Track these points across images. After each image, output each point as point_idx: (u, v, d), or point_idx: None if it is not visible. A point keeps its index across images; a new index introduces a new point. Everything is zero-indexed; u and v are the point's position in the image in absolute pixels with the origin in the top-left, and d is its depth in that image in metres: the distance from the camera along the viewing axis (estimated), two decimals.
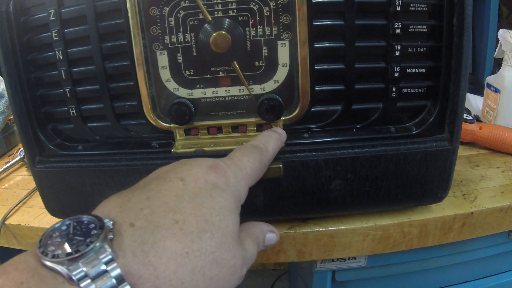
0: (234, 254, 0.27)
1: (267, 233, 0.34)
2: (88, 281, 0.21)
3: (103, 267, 0.22)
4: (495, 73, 0.68)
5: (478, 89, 0.82)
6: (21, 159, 0.70)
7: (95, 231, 0.23)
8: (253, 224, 0.34)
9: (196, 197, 0.27)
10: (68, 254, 0.22)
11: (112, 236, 0.23)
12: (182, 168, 0.29)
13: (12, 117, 0.80)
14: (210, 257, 0.25)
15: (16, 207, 0.57)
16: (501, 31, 0.66)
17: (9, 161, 0.70)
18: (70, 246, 0.22)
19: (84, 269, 0.21)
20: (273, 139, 0.38)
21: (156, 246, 0.23)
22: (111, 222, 0.24)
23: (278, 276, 1.32)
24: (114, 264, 0.22)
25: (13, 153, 0.76)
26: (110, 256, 0.22)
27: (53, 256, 0.21)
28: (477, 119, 0.72)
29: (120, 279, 0.22)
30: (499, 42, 0.67)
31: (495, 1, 0.84)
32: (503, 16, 0.91)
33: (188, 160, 0.31)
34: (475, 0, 0.88)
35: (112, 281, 0.21)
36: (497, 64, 0.83)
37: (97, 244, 0.22)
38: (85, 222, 0.24)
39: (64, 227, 0.24)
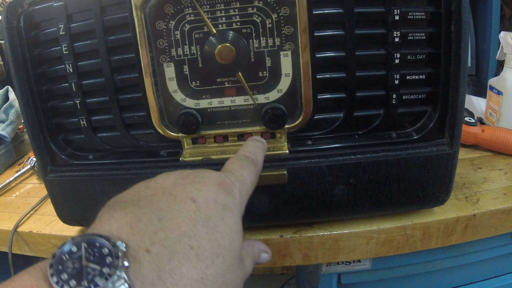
0: (238, 274, 0.28)
1: (262, 253, 0.35)
2: None
3: None
4: (498, 75, 0.69)
5: (481, 91, 0.82)
6: (32, 167, 0.72)
7: (110, 259, 0.22)
8: (253, 243, 0.35)
9: (208, 220, 0.27)
10: None
11: (127, 264, 0.22)
12: (192, 187, 0.28)
13: (21, 126, 0.82)
14: (221, 280, 0.26)
15: (28, 215, 0.59)
16: (502, 33, 0.67)
17: (20, 170, 0.71)
18: (86, 277, 0.21)
19: None
20: (261, 149, 0.39)
21: (173, 273, 0.23)
22: (124, 245, 0.23)
23: (286, 280, 1.32)
24: None
25: (23, 162, 0.77)
26: (127, 286, 0.21)
27: None
28: (480, 121, 0.73)
29: None
30: (501, 45, 0.68)
31: (497, 2, 0.84)
32: (505, 16, 0.92)
33: (192, 174, 0.30)
34: (477, 2, 0.88)
35: None
36: (500, 65, 0.83)
37: (116, 275, 0.21)
38: (97, 245, 0.22)
39: (74, 249, 0.22)
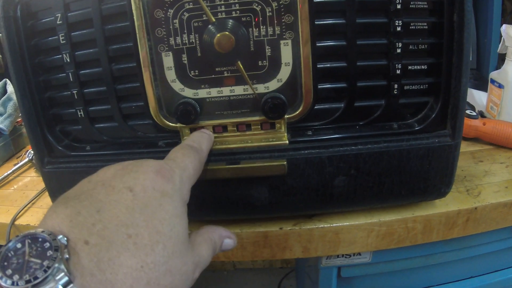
0: (185, 260, 0.28)
1: (225, 239, 0.35)
2: None
3: None
4: (500, 68, 0.68)
5: (482, 85, 0.82)
6: (29, 160, 0.72)
7: (51, 252, 0.23)
8: (213, 229, 0.34)
9: (146, 208, 0.27)
10: (27, 281, 0.22)
11: (67, 256, 0.23)
12: (129, 176, 0.29)
13: (19, 119, 0.81)
14: (163, 267, 0.25)
15: (26, 208, 0.59)
16: (504, 26, 0.66)
17: (18, 163, 0.71)
18: (28, 270, 0.22)
19: None
20: (205, 139, 0.40)
21: (111, 263, 0.24)
22: (65, 239, 0.24)
23: (285, 274, 1.33)
24: (72, 286, 0.22)
25: (21, 155, 0.77)
26: (67, 278, 0.22)
27: (12, 284, 0.22)
28: (481, 114, 0.72)
29: None
30: (502, 38, 0.67)
31: None
32: (507, 10, 0.91)
33: (131, 164, 0.31)
34: None
35: None
36: (502, 59, 0.83)
37: (55, 267, 0.22)
38: (40, 240, 0.23)
39: (19, 245, 0.24)
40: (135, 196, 0.27)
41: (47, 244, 0.23)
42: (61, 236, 0.24)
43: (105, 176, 0.29)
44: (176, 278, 0.26)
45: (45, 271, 0.22)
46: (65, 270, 0.22)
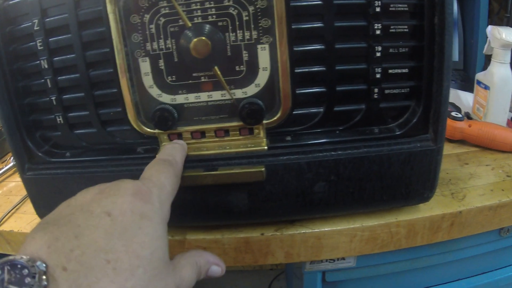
0: (166, 282, 0.27)
1: (212, 266, 0.34)
2: None
3: None
4: (486, 69, 0.68)
5: (469, 86, 0.81)
6: (14, 165, 0.71)
7: (29, 279, 0.23)
8: (199, 254, 0.34)
9: (125, 232, 0.27)
10: None
11: (46, 283, 0.23)
12: (107, 200, 0.28)
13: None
14: None
15: (9, 214, 0.58)
16: (489, 27, 0.66)
17: (2, 168, 0.70)
18: None
19: None
20: (178, 150, 0.39)
21: None
22: (44, 265, 0.24)
23: (275, 276, 1.32)
24: None
25: (6, 160, 0.76)
26: None
27: None
28: (467, 116, 0.72)
29: None
30: (488, 39, 0.67)
31: None
32: (493, 11, 0.91)
33: (109, 187, 0.30)
34: None
35: None
36: (488, 59, 0.82)
37: None
38: (19, 266, 0.23)
39: None
40: (114, 221, 0.27)
41: (26, 271, 0.23)
42: (39, 263, 0.23)
43: (83, 200, 0.29)
44: None
45: None
46: None
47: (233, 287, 1.31)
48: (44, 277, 0.23)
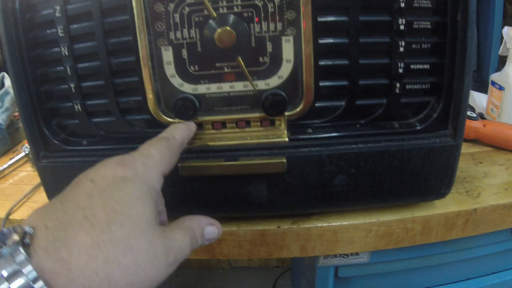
0: (151, 240, 0.27)
1: (206, 226, 0.34)
2: (3, 282, 0.23)
3: (17, 267, 0.23)
4: (500, 70, 0.68)
5: (482, 87, 0.82)
6: (26, 155, 0.71)
7: (15, 237, 0.24)
8: (189, 218, 0.33)
9: (104, 192, 0.28)
10: None
11: (28, 241, 0.25)
12: (92, 170, 0.30)
13: (17, 113, 0.80)
14: (123, 245, 0.26)
15: (20, 203, 0.58)
16: (505, 28, 0.66)
17: (14, 157, 0.70)
18: None
19: None
20: (179, 128, 0.39)
21: (67, 242, 0.25)
22: (32, 229, 0.25)
23: (281, 273, 1.32)
24: (28, 264, 0.23)
25: (17, 149, 0.76)
26: (24, 257, 0.23)
27: None
28: (481, 116, 0.72)
29: (34, 277, 0.23)
30: (504, 40, 0.67)
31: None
32: (508, 13, 0.91)
33: (99, 162, 0.31)
34: None
35: (26, 279, 0.23)
36: (502, 61, 0.82)
37: (11, 246, 0.24)
38: (6, 232, 0.25)
39: None
40: (95, 184, 0.28)
41: (11, 234, 0.25)
42: (27, 227, 0.25)
43: (75, 180, 0.31)
44: (141, 258, 0.26)
45: (6, 251, 0.24)
46: (22, 251, 0.24)
47: (238, 284, 1.31)
48: (28, 236, 0.25)
